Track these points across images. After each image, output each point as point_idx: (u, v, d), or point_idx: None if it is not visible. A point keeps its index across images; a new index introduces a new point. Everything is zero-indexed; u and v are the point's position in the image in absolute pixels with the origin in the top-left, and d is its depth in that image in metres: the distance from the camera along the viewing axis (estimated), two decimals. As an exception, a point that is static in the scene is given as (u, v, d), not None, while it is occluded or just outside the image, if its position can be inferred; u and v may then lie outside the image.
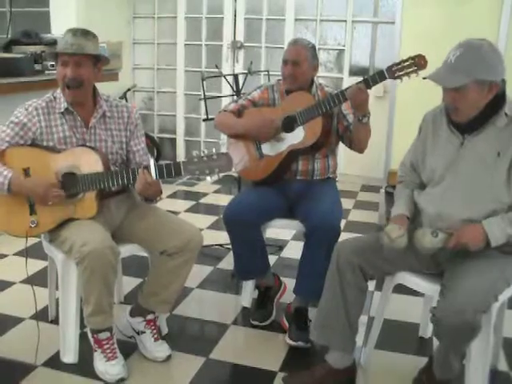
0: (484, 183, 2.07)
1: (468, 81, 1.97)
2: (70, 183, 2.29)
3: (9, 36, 4.70)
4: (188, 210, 4.78)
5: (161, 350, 2.47)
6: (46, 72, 3.98)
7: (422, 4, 4.72)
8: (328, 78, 5.61)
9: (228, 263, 3.51)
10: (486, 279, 1.96)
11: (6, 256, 3.51)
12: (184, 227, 2.45)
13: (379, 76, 2.52)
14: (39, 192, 2.24)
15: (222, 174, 2.24)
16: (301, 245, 2.72)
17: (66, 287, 2.38)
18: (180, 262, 2.39)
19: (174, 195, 5.25)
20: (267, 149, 2.81)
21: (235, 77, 3.65)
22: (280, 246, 3.89)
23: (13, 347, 2.50)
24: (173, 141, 6.32)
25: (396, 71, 2.49)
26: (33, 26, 4.84)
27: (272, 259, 3.06)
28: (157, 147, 5.92)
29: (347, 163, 5.46)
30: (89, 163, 2.30)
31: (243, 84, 3.65)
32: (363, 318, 2.45)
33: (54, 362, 2.41)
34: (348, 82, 5.34)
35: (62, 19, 5.08)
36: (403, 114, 4.79)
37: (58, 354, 2.44)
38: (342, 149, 3.08)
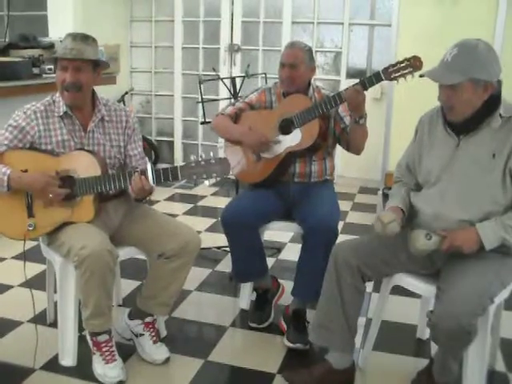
0: (479, 184, 2.08)
1: (463, 79, 1.99)
2: (68, 187, 2.29)
3: (6, 40, 4.70)
4: (186, 213, 4.78)
5: (159, 352, 2.48)
6: (44, 76, 3.98)
7: (418, 6, 4.74)
8: (325, 81, 5.63)
9: (226, 266, 3.51)
10: (481, 282, 1.97)
11: (4, 259, 3.51)
12: (182, 230, 2.45)
13: (375, 77, 2.53)
14: (39, 185, 2.24)
15: (219, 178, 2.25)
16: (299, 247, 2.73)
17: (64, 290, 2.39)
18: (178, 264, 2.39)
19: (171, 198, 5.25)
20: (264, 151, 2.81)
21: (232, 80, 3.65)
22: (278, 248, 3.90)
23: (11, 350, 2.50)
24: (170, 144, 6.33)
25: (392, 72, 2.51)
26: (30, 29, 4.85)
27: (270, 262, 3.07)
28: (154, 150, 5.94)
29: (345, 165, 5.48)
30: (87, 167, 2.31)
31: (240, 87, 3.66)
32: (361, 320, 2.45)
33: (53, 365, 2.41)
34: (345, 84, 5.35)
35: (60, 23, 5.08)
36: (400, 116, 4.81)
37: (56, 357, 2.44)
38: (339, 151, 3.09)
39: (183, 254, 2.39)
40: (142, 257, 2.55)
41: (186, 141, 6.26)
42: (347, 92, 2.55)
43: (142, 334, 2.49)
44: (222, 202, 4.59)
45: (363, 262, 2.22)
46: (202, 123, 3.64)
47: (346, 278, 2.22)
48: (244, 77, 3.71)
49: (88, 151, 2.37)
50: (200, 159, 2.22)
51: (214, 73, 4.16)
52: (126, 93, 5.72)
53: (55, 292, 2.55)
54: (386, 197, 4.17)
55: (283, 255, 3.82)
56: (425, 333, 2.69)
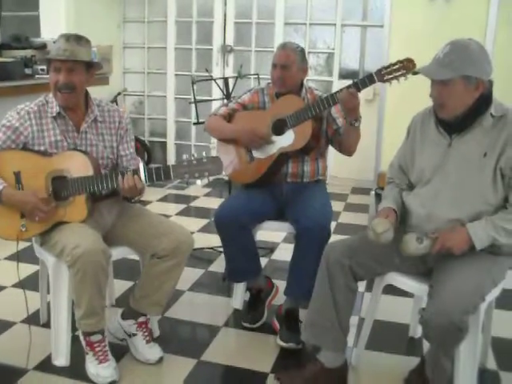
0: (471, 184, 2.10)
1: (455, 75, 2.02)
2: (61, 187, 2.30)
3: (-2, 40, 4.69)
4: (179, 214, 4.78)
5: (152, 352, 2.48)
6: (36, 76, 3.98)
7: (411, 7, 4.77)
8: (318, 82, 5.65)
9: (219, 266, 3.52)
10: (473, 280, 1.99)
11: (-4, 260, 3.51)
12: (175, 230, 2.46)
13: (368, 79, 2.54)
14: (27, 206, 2.26)
15: (211, 178, 2.25)
16: (291, 247, 2.74)
17: (57, 290, 2.38)
18: (171, 264, 2.40)
19: (164, 198, 5.25)
20: (257, 152, 2.82)
21: (225, 80, 3.66)
22: (271, 248, 3.91)
23: (4, 351, 2.50)
24: (163, 144, 6.32)
25: (385, 74, 2.52)
26: (22, 30, 4.85)
27: (263, 261, 3.08)
28: (147, 151, 5.93)
29: (337, 166, 5.49)
30: (79, 167, 2.31)
31: (233, 87, 3.67)
32: (353, 319, 2.46)
33: (46, 366, 2.41)
34: (338, 85, 5.37)
35: (52, 23, 5.07)
36: (393, 117, 4.85)
37: (49, 357, 2.44)
38: (332, 152, 3.10)
39: (176, 254, 2.39)
40: (135, 257, 2.56)
41: (179, 141, 6.26)
42: (342, 95, 2.55)
43: (134, 334, 2.49)
44: (214, 203, 4.60)
45: (355, 261, 2.23)
46: (195, 124, 3.64)
47: (338, 277, 2.23)
48: (237, 77, 3.72)
49: (81, 151, 2.37)
50: (192, 158, 2.22)
51: (206, 73, 4.16)
52: (119, 93, 5.72)
53: (48, 292, 2.55)
54: (378, 197, 4.18)
55: (276, 255, 3.83)
56: (417, 332, 2.71)
